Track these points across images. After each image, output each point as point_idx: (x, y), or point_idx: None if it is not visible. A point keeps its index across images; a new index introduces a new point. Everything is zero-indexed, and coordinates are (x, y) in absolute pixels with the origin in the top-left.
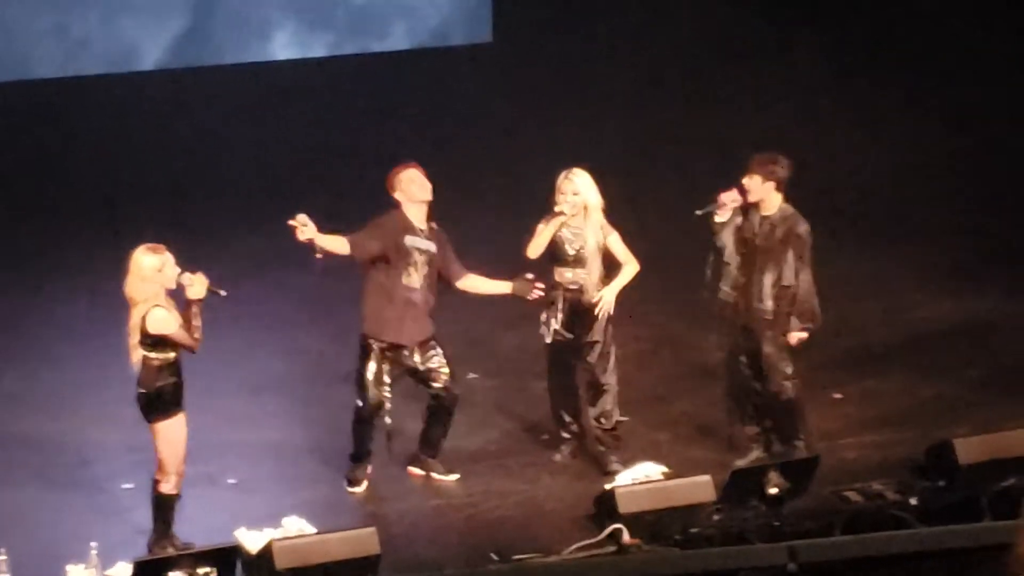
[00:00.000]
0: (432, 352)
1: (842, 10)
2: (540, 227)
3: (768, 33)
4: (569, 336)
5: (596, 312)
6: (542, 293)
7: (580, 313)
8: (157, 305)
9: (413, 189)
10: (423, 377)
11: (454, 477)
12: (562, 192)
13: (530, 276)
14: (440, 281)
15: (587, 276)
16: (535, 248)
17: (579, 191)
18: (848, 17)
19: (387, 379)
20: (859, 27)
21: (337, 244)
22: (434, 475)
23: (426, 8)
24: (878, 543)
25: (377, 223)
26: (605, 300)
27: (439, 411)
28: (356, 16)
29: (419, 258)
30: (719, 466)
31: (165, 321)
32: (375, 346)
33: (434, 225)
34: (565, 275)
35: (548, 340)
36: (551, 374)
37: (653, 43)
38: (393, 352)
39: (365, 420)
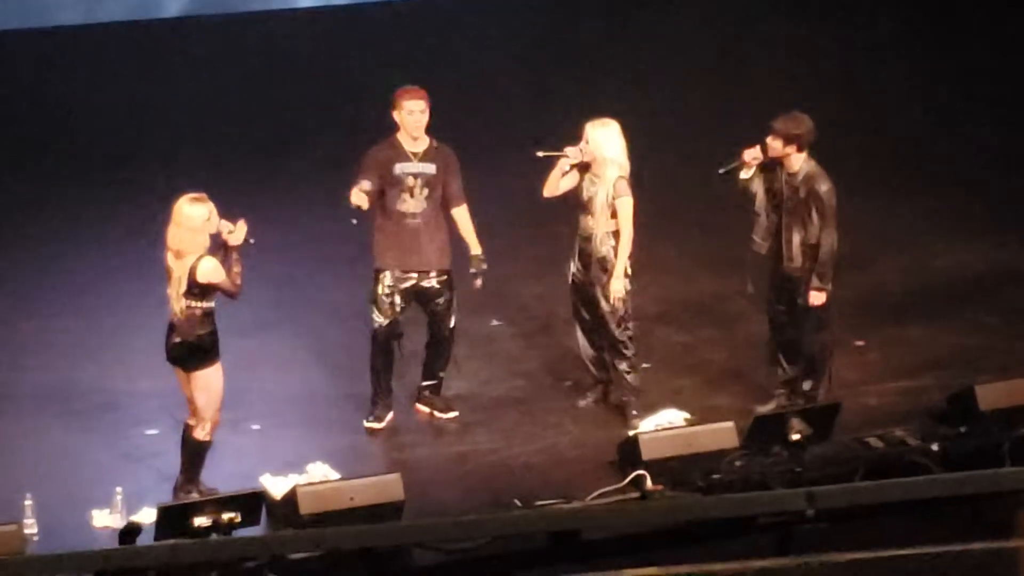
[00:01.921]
0: (439, 286)
1: None
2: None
3: None
4: (584, 279)
5: (611, 305)
6: (479, 284)
7: (589, 262)
8: (205, 255)
9: (406, 121)
10: (426, 309)
11: (453, 414)
12: (581, 137)
13: (480, 268)
14: (444, 201)
15: (595, 225)
16: (546, 187)
17: (590, 140)
18: None
19: (398, 303)
20: None
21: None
22: (435, 412)
23: None
24: (897, 489)
25: (368, 156)
26: (614, 292)
27: (435, 346)
28: None
29: (415, 182)
30: (742, 413)
31: (216, 270)
32: (382, 273)
33: (437, 145)
34: (579, 220)
35: (569, 281)
36: (574, 313)
37: None
38: (400, 277)
39: (379, 344)
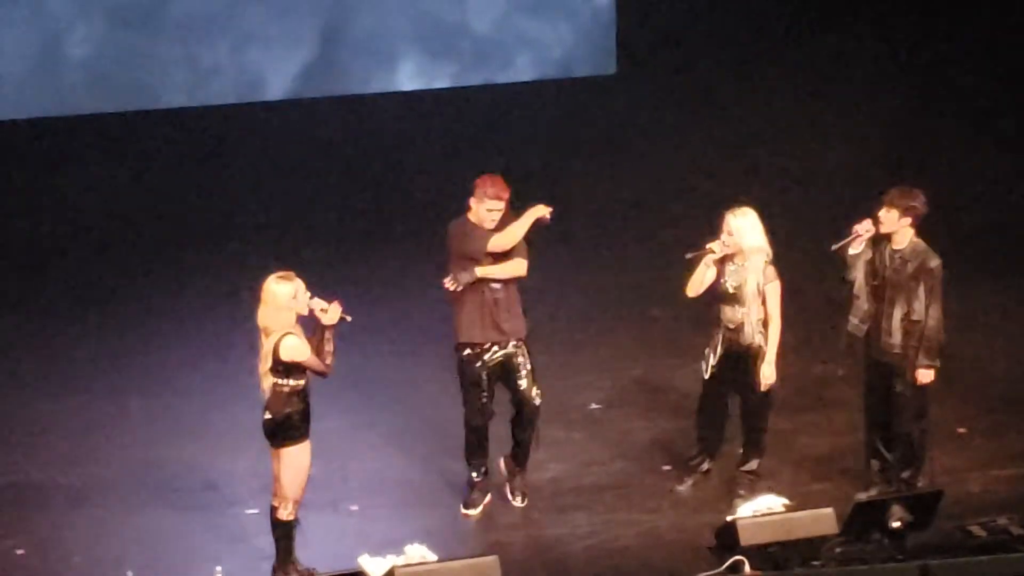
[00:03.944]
0: (518, 358)
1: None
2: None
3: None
4: (723, 374)
5: (762, 389)
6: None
7: (737, 352)
8: (289, 333)
9: (483, 216)
10: (506, 382)
11: (519, 504)
12: (722, 230)
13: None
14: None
15: (746, 315)
16: (691, 287)
17: (734, 232)
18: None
19: (485, 382)
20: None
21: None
22: (508, 486)
23: (550, 39)
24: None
25: (454, 237)
26: (767, 379)
27: (519, 420)
28: (480, 47)
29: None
30: (841, 499)
31: (298, 348)
32: (467, 351)
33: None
34: (725, 312)
35: (705, 376)
36: (701, 408)
37: (780, 73)
38: (485, 353)
39: (474, 429)
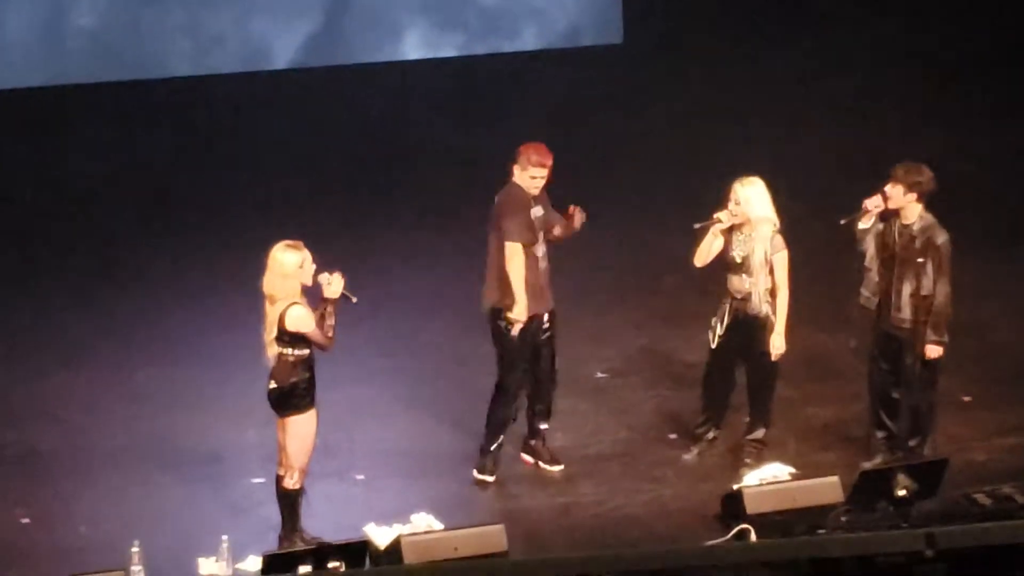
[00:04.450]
0: (548, 331)
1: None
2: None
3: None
4: (737, 341)
5: (773, 359)
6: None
7: (745, 321)
8: (295, 303)
9: (527, 183)
10: (536, 353)
11: (558, 468)
12: (729, 199)
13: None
14: (551, 239)
15: (753, 284)
16: (698, 256)
17: (741, 201)
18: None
19: (529, 350)
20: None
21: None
22: (541, 464)
23: (556, 10)
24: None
25: (518, 199)
26: (776, 349)
27: (537, 396)
28: (486, 17)
29: (540, 226)
30: (847, 468)
31: (304, 319)
32: (512, 319)
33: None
34: (732, 282)
35: (712, 345)
36: (708, 377)
37: (790, 42)
38: (529, 324)
39: (507, 399)
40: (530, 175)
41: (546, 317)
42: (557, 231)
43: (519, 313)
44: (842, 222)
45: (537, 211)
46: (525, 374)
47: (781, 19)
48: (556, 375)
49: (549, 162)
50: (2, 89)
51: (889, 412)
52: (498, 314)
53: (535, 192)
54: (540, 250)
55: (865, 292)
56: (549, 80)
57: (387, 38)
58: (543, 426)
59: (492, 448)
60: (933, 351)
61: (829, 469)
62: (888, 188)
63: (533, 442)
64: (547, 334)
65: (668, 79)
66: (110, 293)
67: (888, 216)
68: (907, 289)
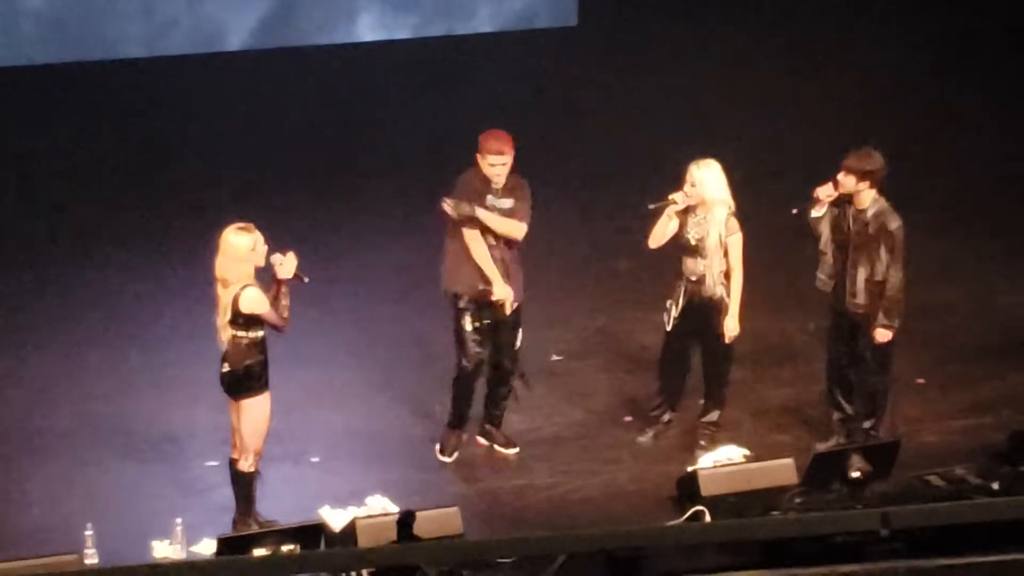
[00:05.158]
0: (510, 319)
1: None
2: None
3: (877, 16)
4: (691, 324)
5: (727, 341)
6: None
7: (700, 304)
8: (249, 284)
9: (488, 171)
10: (493, 340)
11: (513, 451)
12: (685, 181)
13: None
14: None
15: (708, 267)
16: (653, 238)
17: (696, 183)
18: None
19: (481, 334)
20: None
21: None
22: (495, 447)
23: None
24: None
25: (464, 181)
26: (730, 332)
27: (496, 381)
28: None
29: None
30: (801, 450)
31: (258, 300)
32: (464, 301)
33: (513, 180)
34: (687, 264)
35: (667, 327)
36: (663, 359)
37: (746, 26)
38: (479, 306)
39: (465, 378)
40: (488, 163)
41: (508, 304)
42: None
43: (455, 285)
44: (794, 211)
45: (498, 202)
46: (479, 358)
47: (736, 1)
48: (517, 364)
49: (507, 150)
50: None
51: (845, 393)
52: (453, 297)
53: (497, 180)
54: (491, 238)
55: (821, 275)
56: (503, 62)
57: (341, 20)
58: (498, 412)
59: (452, 427)
60: (883, 335)
61: (783, 451)
62: (840, 176)
63: (488, 426)
64: (507, 321)
65: (622, 62)
66: (62, 274)
67: (842, 201)
68: (861, 274)
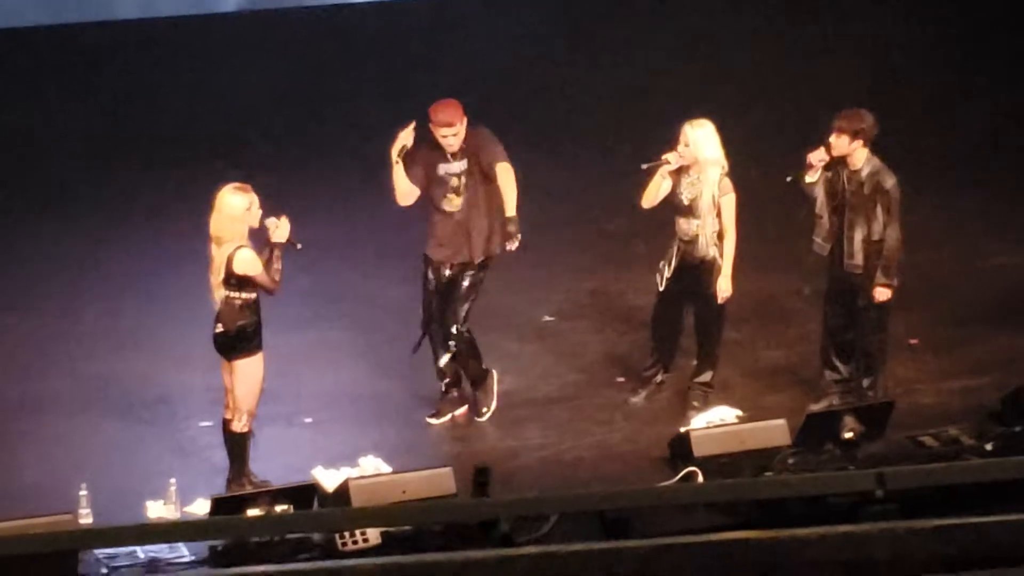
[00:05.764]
0: (467, 283)
1: None
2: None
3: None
4: (683, 285)
5: (719, 302)
6: (512, 247)
7: (692, 264)
8: (243, 245)
9: (440, 142)
10: (450, 306)
11: (485, 417)
12: (679, 141)
13: (514, 233)
14: (485, 180)
15: (701, 227)
16: (646, 198)
17: (690, 143)
18: None
19: (430, 299)
20: None
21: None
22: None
23: None
24: (972, 471)
25: (409, 160)
26: (723, 292)
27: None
28: None
29: (459, 182)
30: (794, 410)
31: (251, 262)
32: (430, 265)
33: (467, 137)
34: (680, 224)
35: (660, 288)
36: (656, 320)
37: None
38: (445, 270)
39: (432, 344)
40: (441, 135)
41: (458, 268)
42: (490, 163)
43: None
44: (788, 179)
45: (451, 167)
46: (434, 321)
47: None
48: (464, 332)
49: (456, 120)
50: None
51: (841, 355)
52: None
53: (452, 149)
54: (454, 204)
55: (817, 239)
56: (489, 21)
57: None
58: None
59: (443, 390)
60: (882, 293)
61: (776, 412)
62: (832, 139)
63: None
64: (460, 286)
65: (613, 21)
66: (58, 235)
67: (835, 163)
68: (859, 235)
